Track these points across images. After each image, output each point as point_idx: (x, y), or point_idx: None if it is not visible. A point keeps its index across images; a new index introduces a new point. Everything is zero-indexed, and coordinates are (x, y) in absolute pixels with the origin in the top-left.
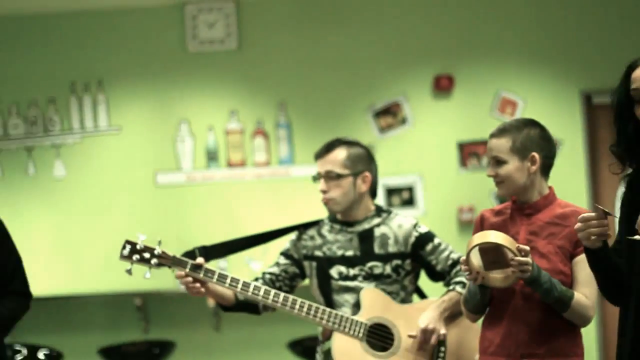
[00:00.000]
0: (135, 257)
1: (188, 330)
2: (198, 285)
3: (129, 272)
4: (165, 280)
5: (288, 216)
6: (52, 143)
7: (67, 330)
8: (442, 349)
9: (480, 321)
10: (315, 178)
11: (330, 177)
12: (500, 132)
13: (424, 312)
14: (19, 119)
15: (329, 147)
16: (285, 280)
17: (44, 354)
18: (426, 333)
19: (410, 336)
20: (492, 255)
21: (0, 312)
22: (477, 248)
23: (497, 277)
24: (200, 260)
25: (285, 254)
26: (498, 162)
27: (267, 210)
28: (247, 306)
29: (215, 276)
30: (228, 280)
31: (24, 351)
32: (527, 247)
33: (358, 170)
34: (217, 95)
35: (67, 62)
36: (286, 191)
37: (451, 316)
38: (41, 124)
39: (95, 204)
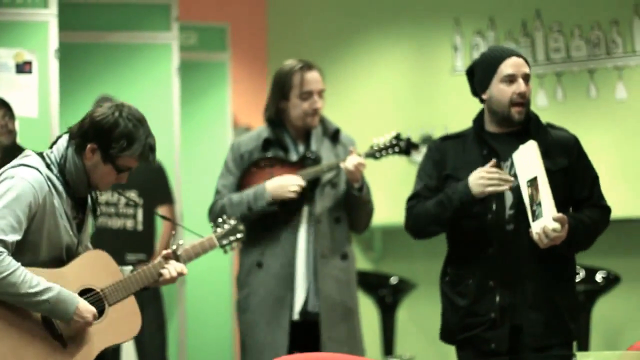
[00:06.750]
0: None
1: None
2: None
3: None
4: None
5: None
6: (614, 65)
7: (624, 254)
8: None
9: None
10: None
11: None
12: None
13: None
14: (581, 40)
15: None
16: None
17: (602, 277)
18: None
19: None
20: None
21: (583, 220)
22: None
23: None
24: None
25: None
26: None
27: None
28: None
29: None
30: None
31: (582, 273)
32: None
33: None
34: None
35: None
36: None
37: None
38: (603, 46)
39: None
